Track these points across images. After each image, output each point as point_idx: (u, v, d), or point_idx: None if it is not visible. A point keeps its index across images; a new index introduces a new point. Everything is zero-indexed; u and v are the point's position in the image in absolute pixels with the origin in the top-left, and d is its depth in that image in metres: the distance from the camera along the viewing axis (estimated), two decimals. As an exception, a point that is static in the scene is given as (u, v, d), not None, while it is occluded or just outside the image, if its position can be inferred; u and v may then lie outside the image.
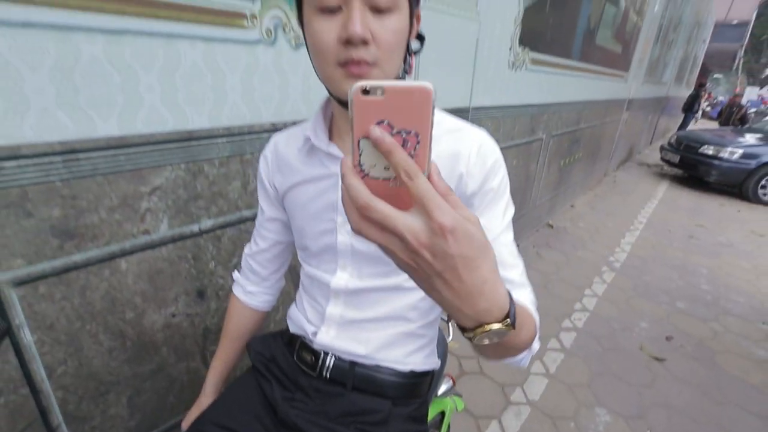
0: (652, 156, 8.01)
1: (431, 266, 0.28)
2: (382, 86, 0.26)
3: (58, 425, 0.91)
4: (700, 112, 13.04)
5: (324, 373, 0.66)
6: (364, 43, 0.45)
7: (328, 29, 0.46)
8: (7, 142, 0.70)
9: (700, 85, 9.96)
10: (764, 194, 5.01)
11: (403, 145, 0.28)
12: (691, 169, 5.63)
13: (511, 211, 0.58)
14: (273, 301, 0.84)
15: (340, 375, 0.65)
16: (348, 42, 0.45)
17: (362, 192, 0.27)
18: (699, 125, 11.67)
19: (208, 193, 1.02)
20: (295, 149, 0.64)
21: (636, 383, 1.83)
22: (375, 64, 0.47)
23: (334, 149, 0.59)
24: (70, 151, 0.77)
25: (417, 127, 0.28)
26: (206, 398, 0.80)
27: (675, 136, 6.24)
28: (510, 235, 0.57)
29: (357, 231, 0.29)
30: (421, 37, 0.57)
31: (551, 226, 3.66)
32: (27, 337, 0.82)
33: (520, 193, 2.88)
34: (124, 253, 0.91)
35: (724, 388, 1.83)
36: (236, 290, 0.81)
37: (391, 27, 0.46)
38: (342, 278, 0.63)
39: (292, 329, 0.73)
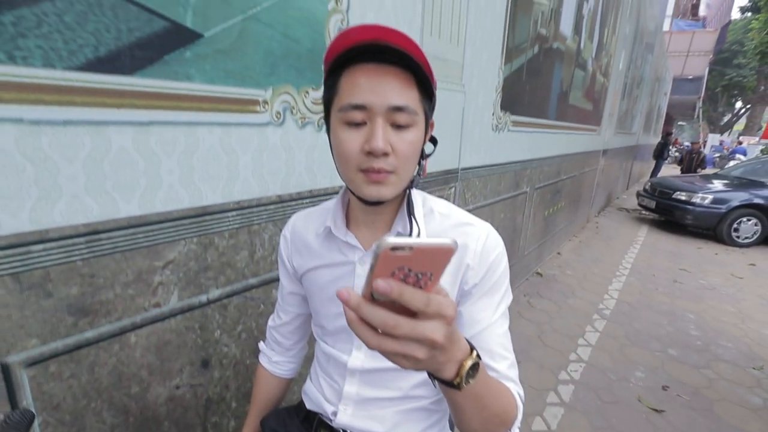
0: (629, 201, 8.35)
1: (444, 350, 0.34)
2: (412, 245, 0.28)
3: None
4: (669, 158, 13.83)
5: None
6: (384, 154, 0.52)
7: (351, 139, 0.53)
8: (37, 228, 0.74)
9: (667, 134, 10.68)
10: (737, 237, 5.24)
11: (416, 281, 0.30)
12: (667, 213, 5.89)
13: (508, 300, 0.63)
14: (298, 368, 0.88)
15: None
16: (370, 153, 0.52)
17: (386, 316, 0.30)
18: (666, 170, 12.33)
19: (217, 264, 1.05)
20: (313, 233, 0.69)
21: (638, 438, 1.81)
22: (393, 172, 0.54)
23: (351, 238, 0.64)
24: (93, 232, 0.81)
25: (433, 270, 0.30)
26: None
27: (649, 183, 6.57)
28: (504, 326, 0.60)
29: (375, 348, 0.31)
30: (434, 140, 0.65)
31: (540, 275, 3.74)
32: (31, 419, 0.81)
33: (508, 244, 2.97)
34: (134, 327, 0.92)
35: (725, 439, 1.82)
36: (262, 360, 0.85)
37: (408, 140, 0.53)
38: (358, 358, 0.66)
39: (309, 406, 0.75)
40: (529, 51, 2.57)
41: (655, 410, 1.99)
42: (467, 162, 2.12)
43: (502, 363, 0.57)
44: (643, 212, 6.89)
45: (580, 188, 4.90)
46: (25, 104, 0.69)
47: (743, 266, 4.39)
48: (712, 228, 5.38)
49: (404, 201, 0.62)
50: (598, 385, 2.17)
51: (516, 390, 0.55)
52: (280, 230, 1.20)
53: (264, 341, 0.88)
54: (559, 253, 4.43)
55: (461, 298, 0.61)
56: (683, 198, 5.62)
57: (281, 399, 0.88)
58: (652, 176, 10.14)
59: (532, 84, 2.72)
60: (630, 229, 5.94)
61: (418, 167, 0.60)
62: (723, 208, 5.24)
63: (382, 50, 0.49)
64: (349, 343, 0.67)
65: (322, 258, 0.67)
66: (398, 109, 0.51)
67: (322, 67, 0.58)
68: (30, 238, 0.73)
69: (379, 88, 0.51)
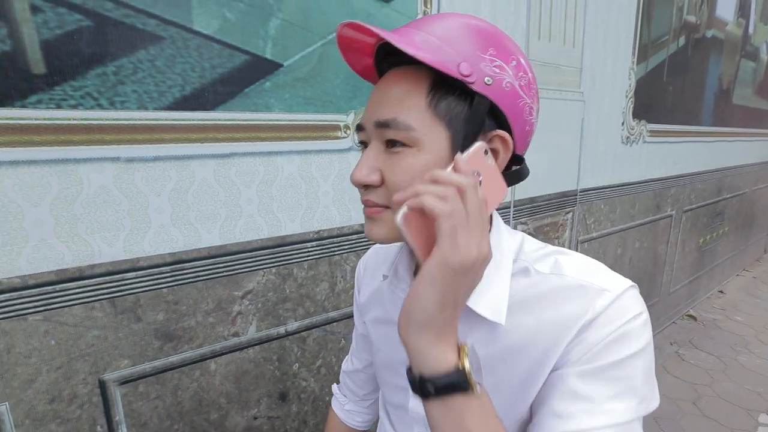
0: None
1: (465, 221, 0.34)
2: (465, 160, 0.38)
3: None
4: None
5: None
6: (367, 186, 0.41)
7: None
8: (130, 256, 0.79)
9: None
10: None
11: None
12: None
13: (640, 408, 0.38)
14: (372, 420, 0.77)
15: None
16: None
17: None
18: None
19: (296, 296, 1.03)
20: (380, 275, 0.58)
21: None
22: (387, 207, 0.41)
23: None
24: (177, 261, 0.84)
25: (479, 169, 0.38)
26: None
27: None
28: None
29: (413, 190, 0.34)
30: (517, 160, 0.45)
31: (693, 318, 2.98)
32: (124, 434, 0.86)
33: (647, 279, 2.43)
34: (214, 355, 0.94)
35: None
36: (334, 405, 0.77)
37: (401, 166, 0.39)
38: None
39: None
40: (672, 44, 2.11)
41: None
42: (589, 182, 1.79)
43: None
44: None
45: (753, 209, 3.85)
46: (122, 144, 0.75)
47: None
48: None
49: None
50: (794, 486, 1.56)
51: None
52: (361, 261, 1.13)
53: (338, 383, 0.79)
54: (721, 292, 3.50)
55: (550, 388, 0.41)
56: None
57: None
58: None
59: (677, 84, 2.22)
60: (837, 263, 4.42)
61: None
62: None
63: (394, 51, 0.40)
64: (408, 427, 0.53)
65: (384, 309, 0.55)
66: (383, 125, 0.39)
67: None
68: (124, 266, 0.79)
69: (377, 99, 0.41)
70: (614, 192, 1.95)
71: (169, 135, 0.79)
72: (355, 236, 1.09)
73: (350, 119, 1.01)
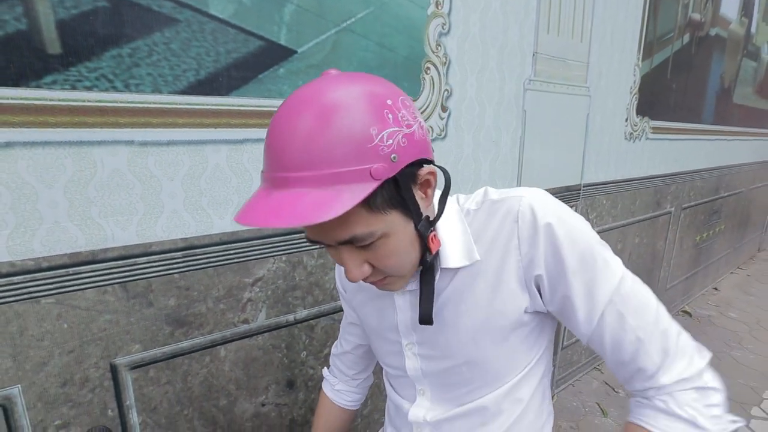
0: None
1: None
2: None
3: None
4: None
5: None
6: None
7: (333, 256, 0.46)
8: (142, 241, 0.79)
9: None
10: None
11: None
12: None
13: (612, 270, 0.46)
14: (362, 399, 0.82)
15: None
16: None
17: None
18: None
19: (305, 284, 1.03)
20: None
21: None
22: (389, 275, 0.46)
23: None
24: (189, 247, 0.84)
25: None
26: None
27: None
28: (624, 301, 0.47)
29: None
30: (443, 170, 0.49)
31: (689, 314, 3.02)
32: (134, 418, 0.87)
33: (645, 274, 2.46)
34: (224, 341, 0.94)
35: None
36: (325, 387, 0.81)
37: (382, 254, 0.43)
38: (422, 406, 0.57)
39: None
40: (677, 42, 2.12)
41: None
42: (592, 177, 1.80)
43: (661, 372, 0.46)
44: None
45: (749, 208, 3.89)
46: (136, 127, 0.74)
47: None
48: None
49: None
50: (785, 478, 1.59)
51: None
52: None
53: (328, 368, 0.83)
54: (716, 289, 3.55)
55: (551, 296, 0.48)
56: None
57: (344, 431, 0.81)
58: None
59: (680, 82, 2.23)
60: (829, 263, 4.48)
61: (425, 245, 0.46)
62: None
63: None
64: (411, 388, 0.58)
65: (369, 290, 0.60)
66: (347, 242, 0.41)
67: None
68: (136, 250, 0.79)
69: (324, 227, 0.39)
70: (616, 187, 1.97)
71: (183, 119, 0.78)
72: (363, 226, 1.09)
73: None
